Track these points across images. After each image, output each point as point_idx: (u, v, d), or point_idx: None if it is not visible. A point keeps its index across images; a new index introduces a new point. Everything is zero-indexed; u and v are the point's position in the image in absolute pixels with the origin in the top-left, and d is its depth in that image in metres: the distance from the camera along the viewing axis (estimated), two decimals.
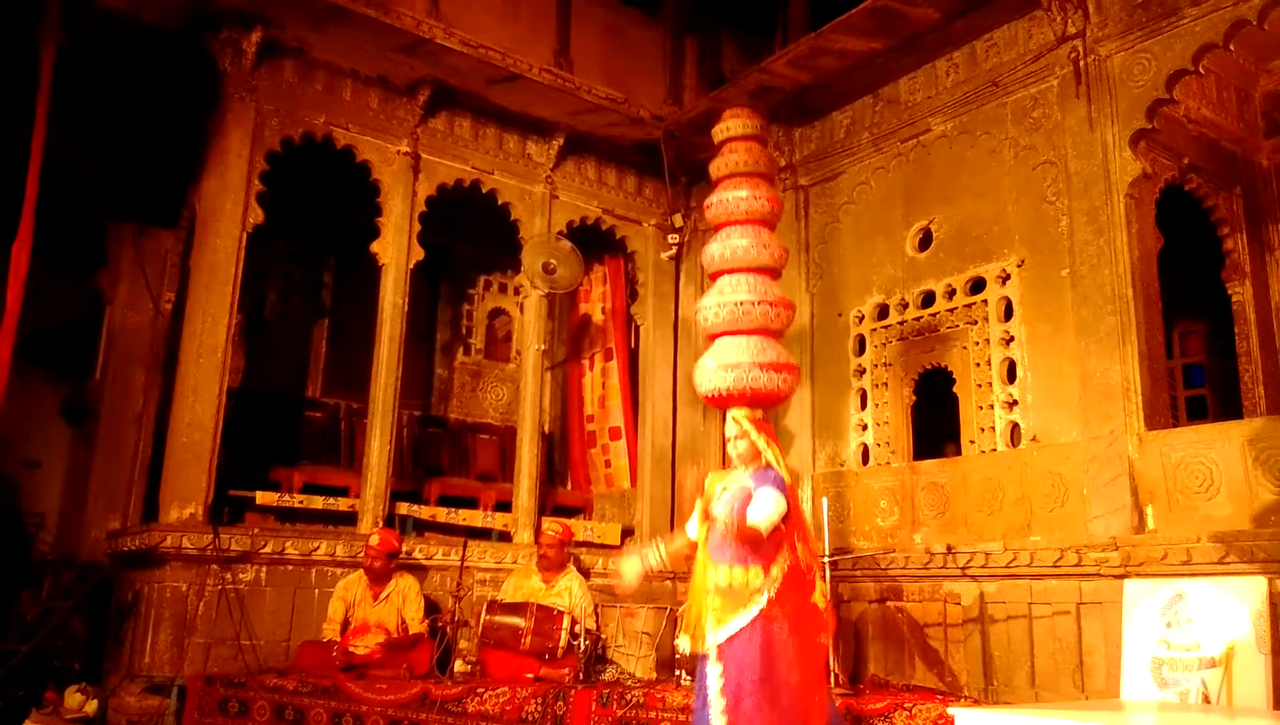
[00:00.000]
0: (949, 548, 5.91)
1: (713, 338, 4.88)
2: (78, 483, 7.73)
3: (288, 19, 6.65)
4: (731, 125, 5.46)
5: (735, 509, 3.95)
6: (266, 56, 6.76)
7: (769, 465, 4.10)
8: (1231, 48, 5.41)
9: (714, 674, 3.86)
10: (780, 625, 3.87)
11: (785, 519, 3.96)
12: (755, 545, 3.91)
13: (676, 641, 4.35)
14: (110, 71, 7.02)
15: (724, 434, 4.33)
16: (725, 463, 4.61)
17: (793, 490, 4.05)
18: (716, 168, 5.19)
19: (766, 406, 4.76)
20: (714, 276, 4.97)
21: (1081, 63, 5.82)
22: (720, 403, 4.66)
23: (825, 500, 5.90)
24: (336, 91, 7.14)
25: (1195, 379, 7.20)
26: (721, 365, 4.64)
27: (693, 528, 4.17)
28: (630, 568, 4.09)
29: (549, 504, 8.15)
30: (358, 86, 7.21)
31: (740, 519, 3.88)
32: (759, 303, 4.78)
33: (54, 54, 6.09)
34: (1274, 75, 6.54)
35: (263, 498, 6.86)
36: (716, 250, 4.97)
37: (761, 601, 3.86)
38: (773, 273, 5.07)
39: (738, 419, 4.23)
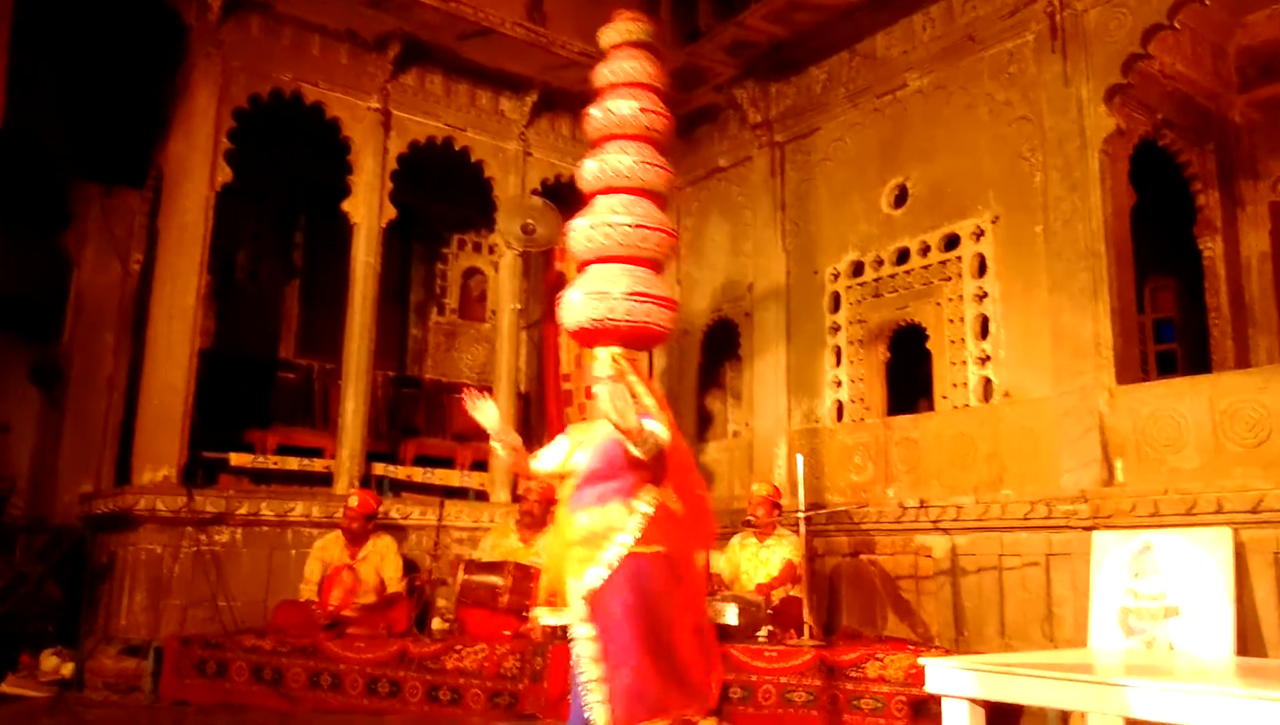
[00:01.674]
0: (921, 502, 5.97)
1: (584, 266, 4.30)
2: (49, 446, 7.66)
3: None
4: (620, 30, 4.78)
5: (606, 452, 3.53)
6: (233, 11, 6.62)
7: (646, 411, 3.63)
8: (1207, 2, 5.40)
9: (584, 636, 3.42)
10: (654, 566, 3.45)
11: (663, 464, 3.56)
12: (635, 469, 3.47)
13: (534, 614, 3.56)
14: (72, 28, 6.85)
15: (591, 376, 3.88)
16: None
17: (678, 448, 3.67)
18: (601, 76, 4.62)
19: (643, 346, 4.18)
20: (588, 197, 4.37)
21: (1058, 17, 5.79)
22: (587, 339, 4.11)
23: (800, 456, 5.93)
24: (305, 47, 7.00)
25: (1166, 334, 7.27)
26: (590, 294, 4.02)
27: (540, 460, 3.82)
28: (490, 414, 3.69)
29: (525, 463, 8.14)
30: (326, 41, 7.07)
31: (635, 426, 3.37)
32: (638, 227, 4.19)
33: (11, 7, 5.93)
34: (1249, 29, 6.54)
35: (237, 459, 6.82)
36: (593, 168, 4.34)
37: (627, 539, 3.45)
38: (657, 197, 4.48)
39: (616, 358, 3.78)
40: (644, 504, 3.51)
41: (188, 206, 6.47)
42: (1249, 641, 4.47)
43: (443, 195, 8.99)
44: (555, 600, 3.62)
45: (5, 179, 5.97)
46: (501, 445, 3.76)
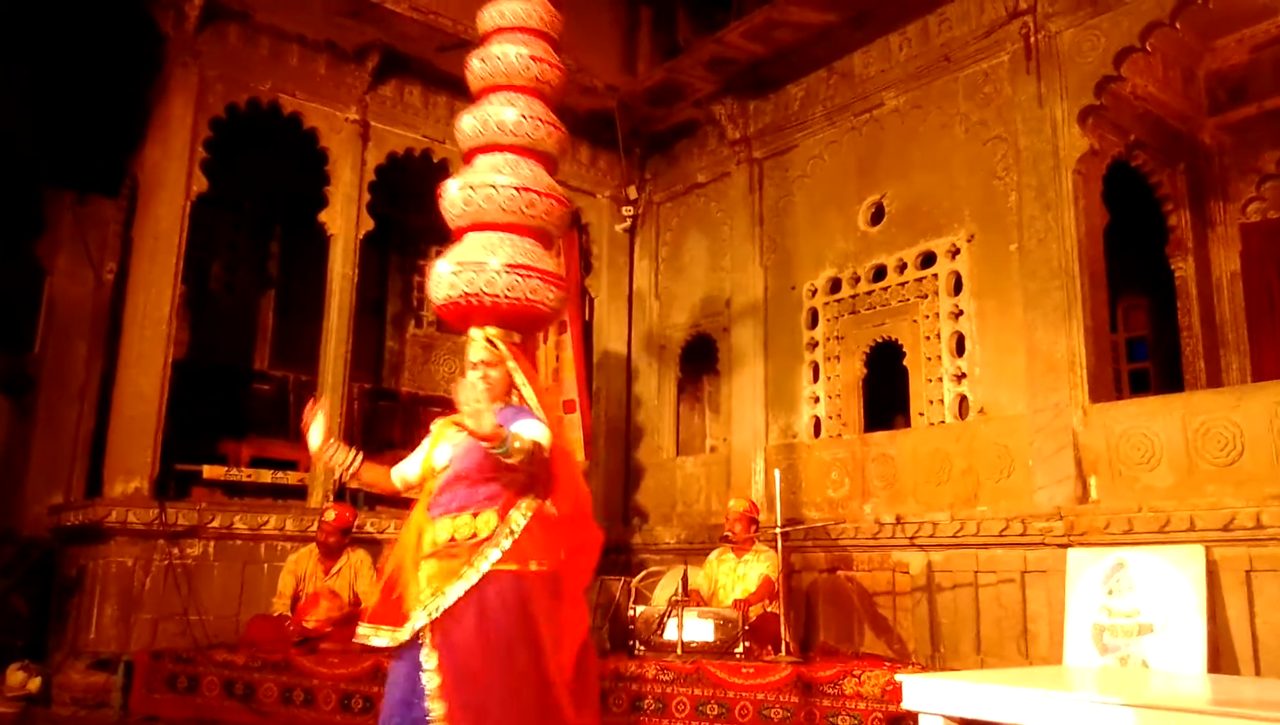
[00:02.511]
0: (898, 518, 6.00)
1: (460, 234, 3.76)
2: (18, 457, 7.53)
3: None
4: None
5: (478, 449, 3.03)
6: (210, 20, 6.58)
7: (525, 407, 3.26)
8: (1178, 25, 5.48)
9: (428, 665, 2.94)
10: (527, 586, 3.02)
11: (547, 472, 3.18)
12: (509, 474, 3.06)
13: (360, 632, 3.07)
14: (47, 34, 6.79)
15: (466, 359, 3.38)
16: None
17: (561, 446, 3.28)
18: (486, 19, 4.08)
19: (525, 328, 3.67)
20: (468, 156, 3.86)
21: (1032, 39, 5.87)
22: (458, 316, 3.58)
23: (777, 472, 5.94)
24: (283, 57, 6.97)
25: (1139, 353, 7.36)
26: (462, 264, 3.50)
27: (403, 469, 3.38)
28: (316, 434, 3.25)
29: None
30: (305, 52, 7.05)
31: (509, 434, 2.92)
32: (524, 191, 3.63)
33: None
34: (1218, 53, 6.66)
35: (210, 471, 6.74)
36: (472, 122, 3.80)
37: (494, 554, 3.00)
38: (546, 159, 3.91)
39: (492, 341, 3.32)
40: (520, 514, 3.11)
41: (163, 216, 6.41)
42: (1222, 658, 4.52)
43: (420, 206, 8.92)
44: (390, 615, 3.08)
45: None
46: (338, 469, 3.30)
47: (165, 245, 6.38)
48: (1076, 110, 5.63)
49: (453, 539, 3.06)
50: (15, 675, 5.85)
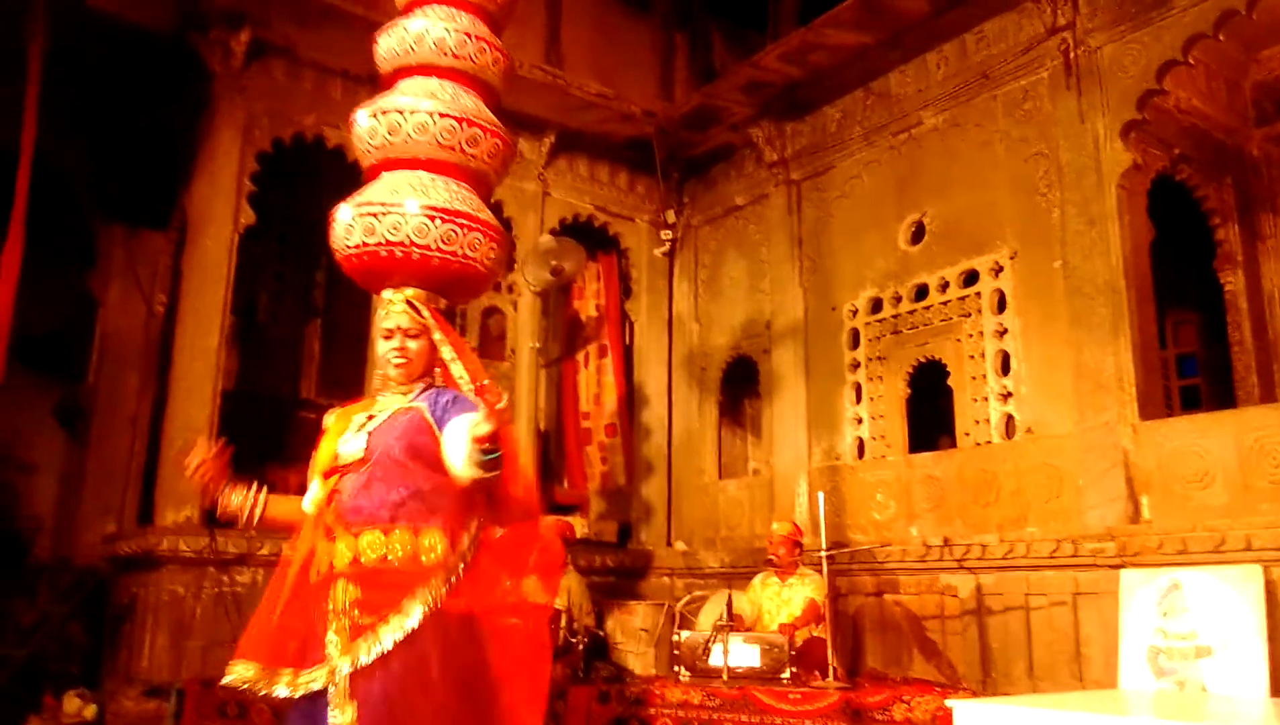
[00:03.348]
0: (945, 540, 5.92)
1: (373, 172, 3.14)
2: (73, 486, 7.70)
3: (276, 18, 6.63)
4: None
5: (407, 436, 2.53)
6: (256, 56, 6.73)
7: (454, 390, 2.67)
8: (1221, 37, 5.42)
9: (339, 720, 2.30)
10: (476, 631, 2.46)
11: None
12: (453, 494, 2.49)
13: (239, 673, 2.43)
14: (99, 72, 6.98)
15: (376, 328, 2.80)
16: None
17: (509, 432, 2.49)
18: None
19: (456, 292, 3.05)
20: (389, 79, 3.24)
21: (1072, 54, 5.83)
22: (371, 271, 2.92)
23: (821, 494, 5.89)
24: (327, 90, 7.11)
25: (1189, 369, 7.22)
26: (385, 206, 2.87)
27: (315, 491, 2.71)
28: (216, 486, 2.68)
29: (546, 502, 8.15)
30: (348, 85, 7.18)
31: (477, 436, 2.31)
32: (465, 123, 3.02)
33: (41, 55, 6.06)
34: (1264, 65, 6.56)
35: None
36: (389, 41, 3.21)
37: (440, 589, 2.39)
38: (488, 91, 3.28)
39: (415, 303, 2.74)
40: (469, 538, 2.52)
41: (211, 248, 6.55)
42: None
43: None
44: (282, 654, 2.43)
45: (34, 220, 6.06)
46: (241, 515, 2.71)
47: (213, 278, 6.51)
48: (1119, 125, 5.58)
49: (384, 559, 2.41)
50: (72, 702, 5.96)
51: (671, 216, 8.62)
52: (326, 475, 2.64)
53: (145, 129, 7.49)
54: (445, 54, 3.15)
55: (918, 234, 6.73)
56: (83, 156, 7.54)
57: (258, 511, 2.72)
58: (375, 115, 3.05)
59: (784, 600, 5.95)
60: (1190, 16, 5.35)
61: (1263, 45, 6.41)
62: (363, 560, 2.44)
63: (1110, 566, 5.12)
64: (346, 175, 7.24)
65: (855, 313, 7.01)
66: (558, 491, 8.81)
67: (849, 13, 6.51)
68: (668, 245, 8.60)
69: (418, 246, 2.85)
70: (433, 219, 2.88)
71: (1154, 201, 5.88)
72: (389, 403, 2.69)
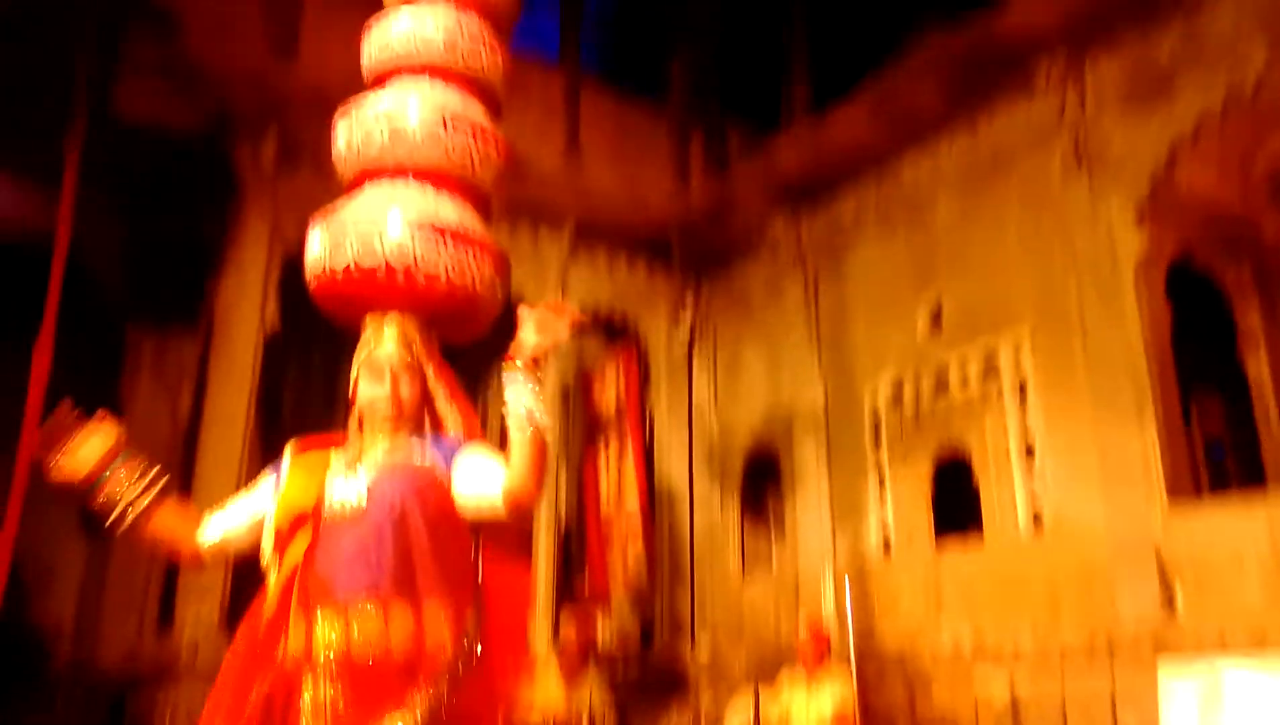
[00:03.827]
0: (977, 638, 5.76)
1: (354, 185, 2.73)
2: (94, 592, 7.67)
3: (305, 123, 6.81)
4: None
5: (420, 492, 2.11)
6: (285, 160, 6.91)
7: (453, 438, 2.30)
8: (1228, 122, 5.46)
9: None
10: None
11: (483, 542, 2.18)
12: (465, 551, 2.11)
13: None
14: (131, 176, 7.19)
15: (359, 363, 2.36)
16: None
17: None
18: None
19: (453, 326, 2.63)
20: (371, 84, 2.86)
21: (1081, 139, 5.90)
22: (352, 297, 2.53)
23: (848, 591, 5.77)
24: None
25: (1216, 452, 7.09)
26: (367, 222, 2.50)
27: (227, 522, 2.28)
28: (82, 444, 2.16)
29: (567, 599, 8.03)
30: None
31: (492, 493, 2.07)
32: (451, 127, 2.62)
33: (79, 162, 6.26)
34: (1272, 147, 6.58)
35: None
36: (377, 39, 2.86)
37: (443, 691, 1.97)
38: (486, 95, 2.88)
39: (410, 335, 2.34)
40: (474, 615, 2.10)
41: (237, 351, 6.64)
42: None
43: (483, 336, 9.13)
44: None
45: (64, 324, 6.18)
46: (120, 501, 2.17)
47: (239, 379, 6.59)
48: (1132, 208, 5.60)
49: (382, 648, 1.96)
50: None
51: (690, 307, 8.66)
52: (296, 525, 2.09)
53: (175, 231, 7.67)
54: (443, 53, 2.77)
55: (936, 319, 6.72)
56: (114, 259, 7.71)
57: (143, 503, 2.12)
58: (371, 118, 2.65)
59: (812, 703, 5.78)
60: (1196, 102, 5.42)
61: (1270, 129, 6.44)
62: (354, 649, 1.95)
63: (1147, 662, 4.95)
64: None
65: (876, 400, 6.97)
66: (579, 588, 8.69)
67: (860, 106, 6.66)
68: (686, 336, 8.63)
69: (428, 272, 2.46)
70: (449, 243, 2.49)
71: (1172, 282, 5.85)
72: (382, 446, 2.22)
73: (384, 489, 2.13)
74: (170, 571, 6.90)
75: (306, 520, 2.13)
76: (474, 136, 2.69)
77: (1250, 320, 6.47)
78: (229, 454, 6.44)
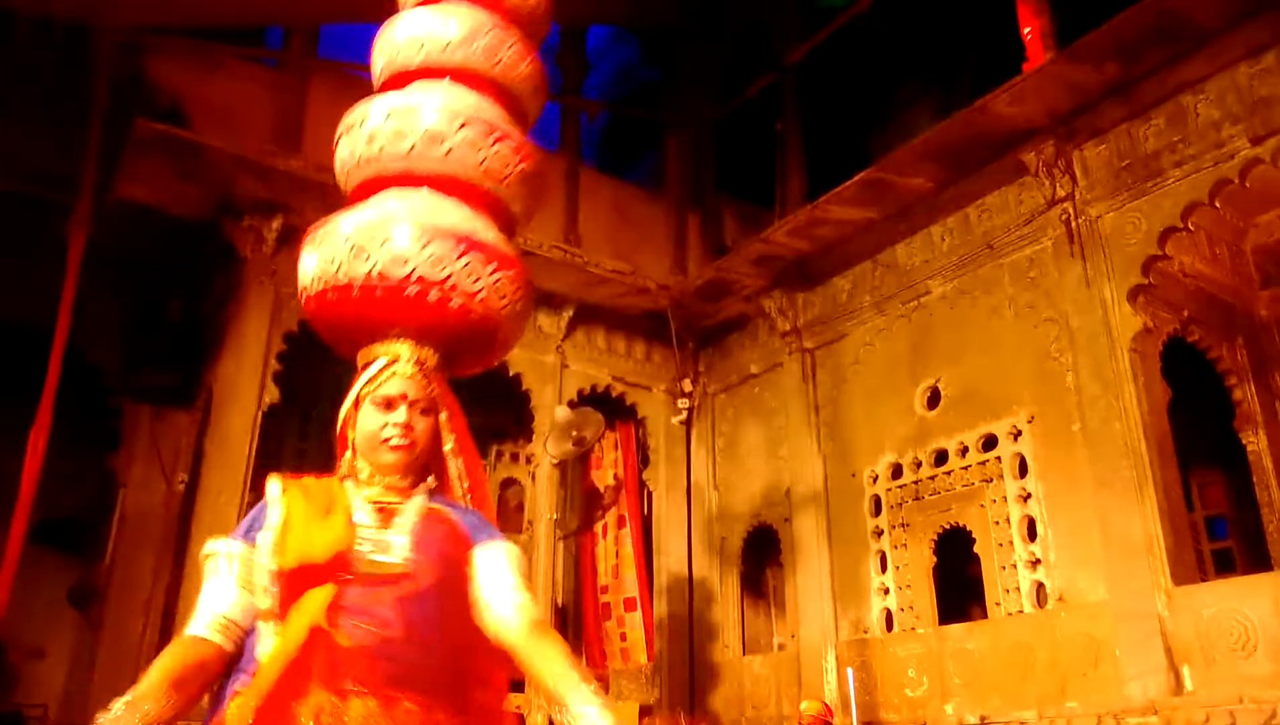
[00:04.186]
0: (982, 719, 5.66)
1: (360, 191, 2.45)
2: (82, 671, 7.54)
3: (307, 208, 6.92)
4: None
5: (453, 561, 1.81)
6: (286, 243, 6.98)
7: (468, 509, 2.00)
8: (1218, 204, 5.59)
9: None
10: None
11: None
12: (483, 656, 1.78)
13: None
14: (132, 257, 7.28)
15: (361, 394, 1.97)
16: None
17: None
18: None
19: (470, 355, 2.29)
20: (398, 80, 2.57)
21: (1073, 224, 6.00)
22: (358, 317, 2.18)
23: (850, 671, 5.69)
24: None
25: (1219, 530, 7.06)
26: (377, 233, 2.18)
27: (224, 609, 1.79)
28: None
29: None
30: None
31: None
32: (483, 131, 2.36)
33: (83, 244, 6.34)
34: (1263, 229, 6.70)
35: None
36: (393, 38, 2.59)
37: None
38: (508, 97, 2.62)
39: (428, 366, 2.03)
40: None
41: (234, 426, 6.62)
42: None
43: (480, 406, 9.11)
44: None
45: (61, 403, 6.19)
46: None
47: (235, 454, 6.56)
48: (1125, 290, 5.68)
49: None
50: None
51: (688, 385, 8.70)
52: (308, 577, 1.69)
53: (175, 311, 7.73)
54: (465, 54, 2.52)
55: (933, 399, 6.76)
56: (112, 339, 7.76)
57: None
58: (383, 117, 2.37)
59: None
60: (1185, 186, 5.54)
61: (1259, 211, 6.57)
62: None
63: None
64: None
65: (875, 479, 6.96)
66: None
67: (852, 190, 6.78)
68: (685, 414, 8.65)
69: (462, 292, 2.14)
70: (479, 263, 2.17)
71: (1169, 361, 5.90)
72: (398, 493, 1.89)
73: (428, 552, 1.78)
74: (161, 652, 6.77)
75: (324, 572, 1.69)
76: (499, 142, 2.38)
77: (1248, 398, 6.50)
78: (225, 528, 6.33)
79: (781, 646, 7.85)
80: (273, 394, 6.78)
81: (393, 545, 1.78)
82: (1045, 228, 6.21)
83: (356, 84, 3.00)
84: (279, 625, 1.69)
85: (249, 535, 1.80)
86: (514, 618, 1.75)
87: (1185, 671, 4.97)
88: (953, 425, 6.54)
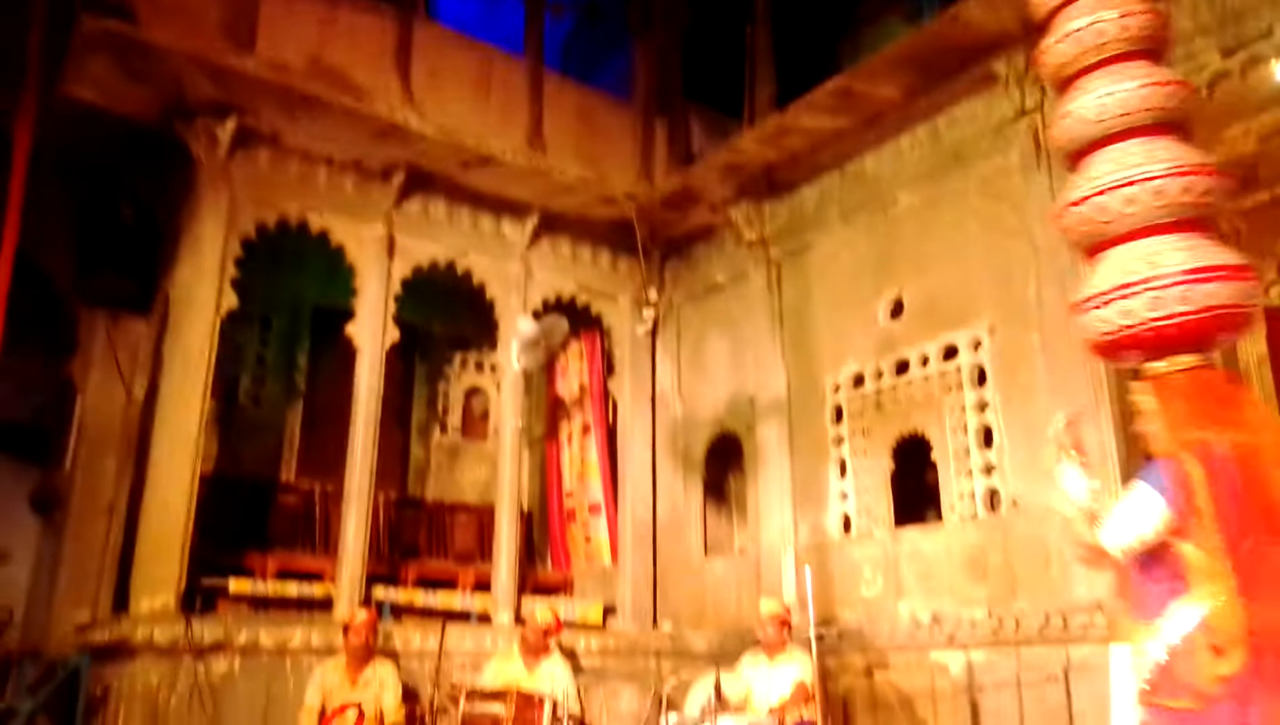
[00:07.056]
0: (934, 616, 5.87)
1: (1097, 249, 3.23)
2: (46, 574, 7.54)
3: (262, 108, 6.74)
4: None
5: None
6: (241, 145, 6.82)
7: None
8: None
9: None
10: None
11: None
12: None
13: None
14: (82, 161, 7.06)
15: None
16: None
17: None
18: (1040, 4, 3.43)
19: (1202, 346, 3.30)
20: (1074, 158, 3.32)
21: (1041, 135, 5.97)
22: (1125, 348, 3.20)
23: (808, 572, 5.82)
24: (311, 177, 7.19)
25: None
26: (1156, 279, 2.98)
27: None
28: None
29: (529, 583, 8.02)
30: (332, 172, 7.27)
31: None
32: (1185, 174, 3.03)
33: (29, 145, 6.12)
34: (1228, 143, 6.68)
35: (236, 585, 6.72)
36: (1091, 105, 3.18)
37: None
38: (1179, 131, 3.24)
39: (1137, 385, 3.02)
40: None
41: (193, 333, 6.54)
42: None
43: (445, 315, 9.11)
44: None
45: (14, 307, 6.06)
46: None
47: (195, 362, 6.49)
48: None
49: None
50: None
51: (653, 295, 8.68)
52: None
53: (128, 215, 7.54)
54: (1136, 109, 3.13)
55: (897, 310, 6.81)
56: (66, 244, 7.56)
57: None
58: (1111, 180, 3.07)
59: (773, 680, 5.84)
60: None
61: (1224, 125, 6.55)
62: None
63: (1101, 640, 5.05)
64: (329, 259, 7.34)
65: (838, 388, 7.05)
66: (541, 572, 8.70)
67: (822, 98, 6.69)
68: (650, 323, 8.65)
69: (1169, 321, 3.09)
70: (1176, 282, 3.06)
71: None
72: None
73: None
74: (125, 562, 6.79)
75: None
76: (1202, 174, 3.06)
77: None
78: (185, 435, 6.35)
79: (743, 550, 8.03)
80: (231, 300, 6.69)
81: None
82: (1013, 139, 6.19)
83: None
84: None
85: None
86: None
87: None
88: (915, 335, 6.61)
